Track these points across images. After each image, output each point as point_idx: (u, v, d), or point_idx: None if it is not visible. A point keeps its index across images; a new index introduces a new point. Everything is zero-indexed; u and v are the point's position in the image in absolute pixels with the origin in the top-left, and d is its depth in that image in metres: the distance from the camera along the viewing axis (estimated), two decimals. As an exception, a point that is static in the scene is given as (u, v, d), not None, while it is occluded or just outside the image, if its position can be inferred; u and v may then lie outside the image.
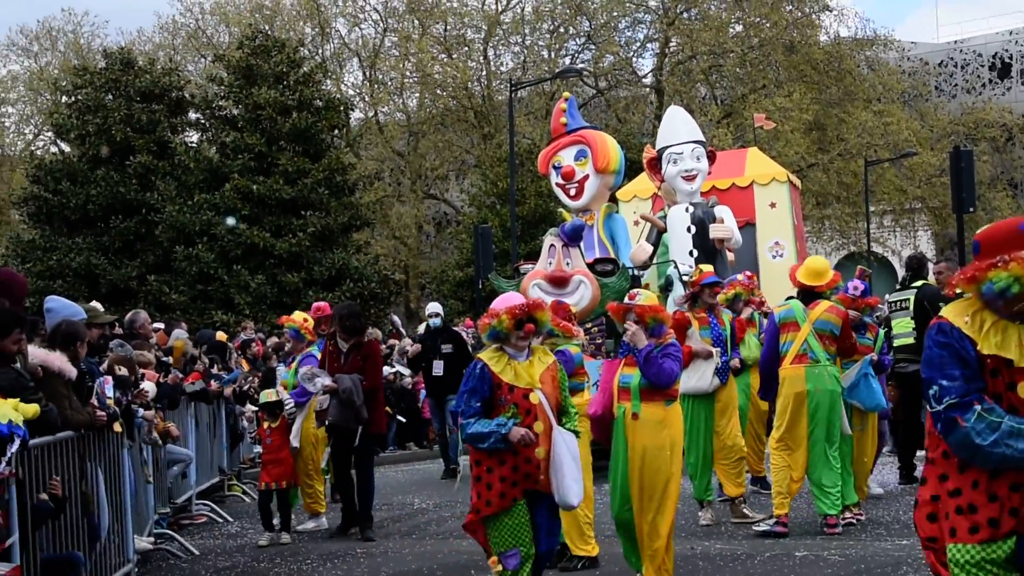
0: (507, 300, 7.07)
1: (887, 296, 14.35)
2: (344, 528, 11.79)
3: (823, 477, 10.01)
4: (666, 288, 15.55)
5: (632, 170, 21.49)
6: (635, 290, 8.48)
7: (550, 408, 6.83)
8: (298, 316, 12.96)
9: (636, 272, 15.35)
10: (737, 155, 22.19)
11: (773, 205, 20.30)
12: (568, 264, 13.46)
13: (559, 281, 13.30)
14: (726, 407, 11.01)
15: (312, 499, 12.43)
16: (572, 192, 14.95)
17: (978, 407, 4.04)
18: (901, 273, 14.04)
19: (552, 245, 13.52)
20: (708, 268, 12.02)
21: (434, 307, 17.53)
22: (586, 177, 14.87)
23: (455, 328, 18.81)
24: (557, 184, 15.12)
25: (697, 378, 10.67)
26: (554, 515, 7.10)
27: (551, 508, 7.00)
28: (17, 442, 6.56)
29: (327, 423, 11.41)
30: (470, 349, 16.57)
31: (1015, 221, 4.23)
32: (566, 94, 16.45)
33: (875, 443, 11.60)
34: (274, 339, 20.99)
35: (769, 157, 36.04)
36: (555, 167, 15.18)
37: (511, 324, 6.85)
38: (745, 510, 11.08)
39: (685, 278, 15.69)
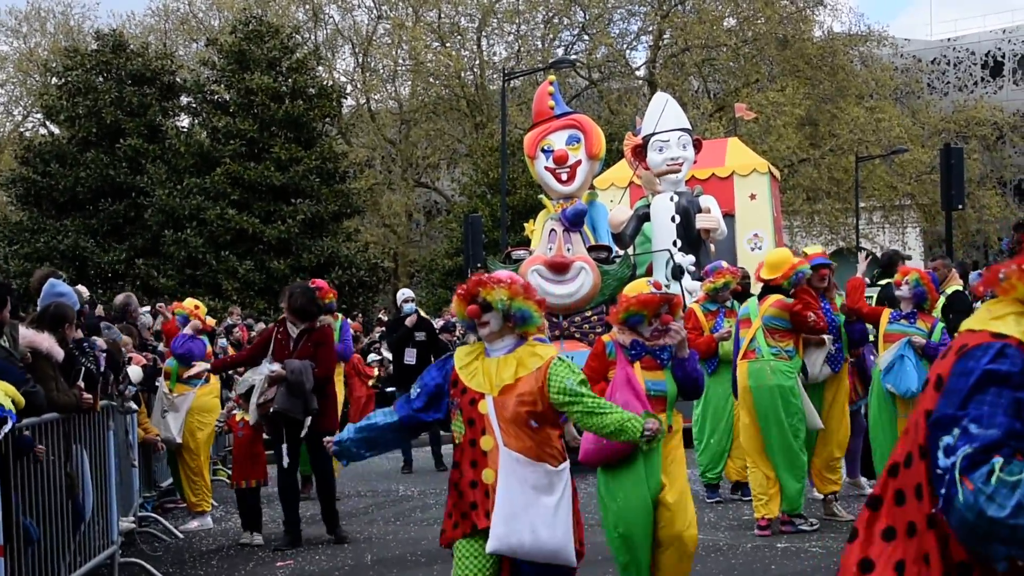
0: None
1: None
2: (291, 542, 10.50)
3: (781, 477, 9.80)
4: (677, 276, 15.23)
5: (610, 157, 21.31)
6: (651, 278, 7.33)
7: (500, 422, 5.36)
8: (189, 303, 12.52)
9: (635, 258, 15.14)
10: (717, 145, 21.86)
11: (753, 196, 20.02)
12: (569, 250, 13.19)
13: (559, 267, 13.03)
14: (835, 398, 10.42)
15: (198, 496, 11.94)
16: (564, 177, 14.32)
17: (997, 459, 2.54)
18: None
19: (552, 230, 13.27)
20: (816, 249, 11.19)
21: (407, 293, 17.31)
22: (579, 162, 14.30)
23: (426, 317, 18.60)
24: (547, 168, 14.42)
25: (809, 365, 10.13)
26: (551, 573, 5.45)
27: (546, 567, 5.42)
28: (9, 424, 6.60)
29: (272, 411, 10.18)
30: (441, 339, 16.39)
31: None
32: (551, 77, 15.87)
33: None
34: (261, 325, 20.98)
35: (761, 151, 36.26)
36: (545, 150, 14.49)
37: (459, 306, 5.62)
38: (836, 508, 10.49)
39: (692, 268, 15.59)
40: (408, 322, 15.91)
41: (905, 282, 10.01)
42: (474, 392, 5.45)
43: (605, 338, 7.13)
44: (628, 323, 6.89)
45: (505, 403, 5.38)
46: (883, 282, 12.67)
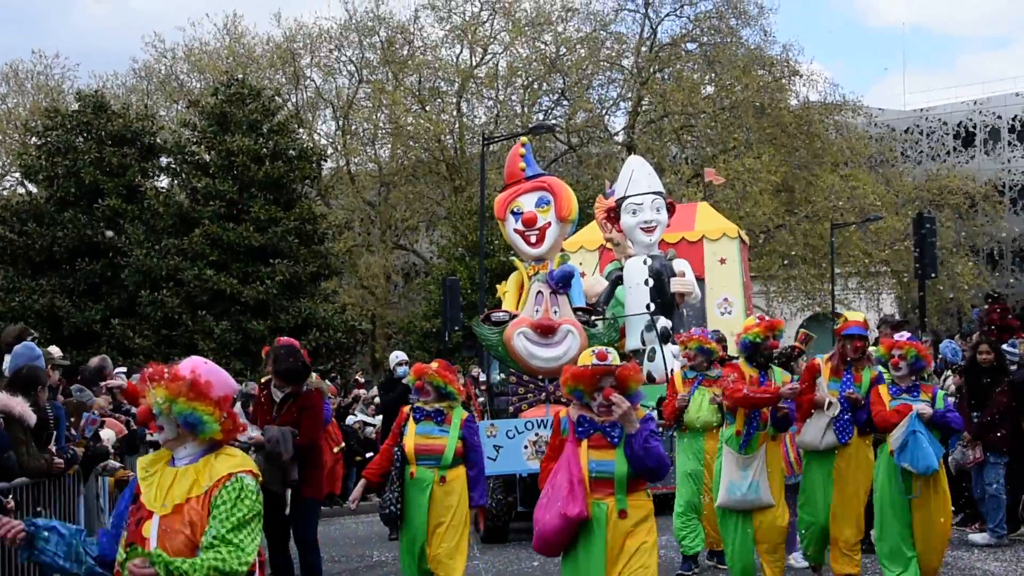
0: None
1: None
2: None
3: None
4: (665, 339, 14.99)
5: (586, 221, 21.31)
6: (600, 347, 6.63)
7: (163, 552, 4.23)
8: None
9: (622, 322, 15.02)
10: (688, 209, 21.76)
11: (723, 261, 19.98)
12: (556, 312, 13.06)
13: (546, 330, 12.90)
14: (843, 473, 9.80)
15: None
16: (533, 239, 14.19)
17: None
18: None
19: (540, 292, 13.16)
20: (857, 316, 10.55)
21: (400, 356, 17.25)
22: (548, 224, 14.16)
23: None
24: (516, 230, 14.30)
25: (812, 431, 9.79)
26: None
27: None
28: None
29: None
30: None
31: None
32: (523, 139, 15.81)
33: (948, 504, 9.68)
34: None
35: (738, 217, 36.51)
36: (514, 212, 14.37)
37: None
38: None
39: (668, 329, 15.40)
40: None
41: (901, 357, 9.42)
42: (144, 509, 4.43)
43: (562, 413, 6.69)
44: (574, 398, 6.51)
45: (171, 527, 4.34)
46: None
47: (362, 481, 9.54)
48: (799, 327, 42.97)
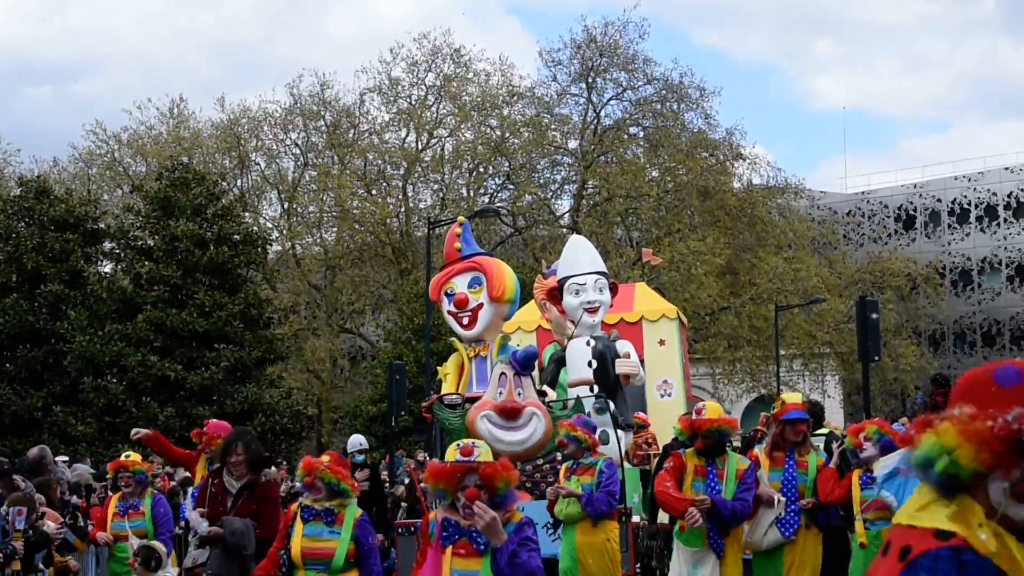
0: None
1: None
2: None
3: None
4: (619, 424, 14.82)
5: (524, 300, 21.04)
6: (466, 441, 5.93)
7: None
8: (136, 456, 11.34)
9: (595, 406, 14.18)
10: (626, 290, 21.20)
11: (662, 342, 19.59)
12: (520, 394, 12.60)
13: (511, 413, 12.39)
14: (791, 569, 9.35)
15: None
16: (465, 321, 13.81)
17: None
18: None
19: (503, 373, 12.67)
20: (794, 398, 10.22)
21: (359, 441, 16.99)
22: (480, 306, 13.77)
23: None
24: (449, 312, 14.00)
25: (753, 529, 9.37)
26: None
27: None
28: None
29: None
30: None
31: (991, 367, 2.83)
32: (460, 218, 15.30)
33: None
34: (183, 473, 20.60)
35: (683, 299, 36.74)
36: (447, 294, 14.07)
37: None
38: None
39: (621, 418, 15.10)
40: (359, 476, 15.57)
41: (866, 438, 9.01)
42: None
43: (432, 514, 6.04)
44: (437, 498, 5.85)
45: None
46: (819, 433, 12.20)
47: None
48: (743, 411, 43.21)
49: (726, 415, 9.89)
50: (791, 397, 10.31)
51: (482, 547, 5.53)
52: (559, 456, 12.59)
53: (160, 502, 11.05)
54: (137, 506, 10.83)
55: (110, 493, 13.23)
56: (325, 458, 7.99)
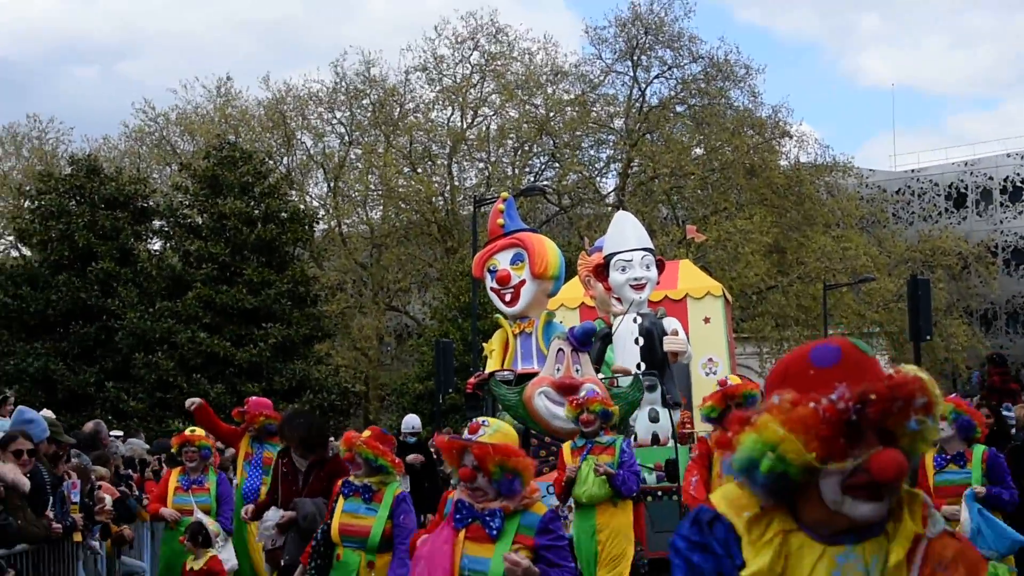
0: None
1: None
2: None
3: None
4: (673, 406, 14.22)
5: (568, 278, 20.85)
6: (481, 418, 5.46)
7: None
8: (201, 432, 11.29)
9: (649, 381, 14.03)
10: (669, 267, 21.03)
11: (707, 320, 19.18)
12: (578, 371, 12.34)
13: (569, 389, 11.99)
14: None
15: None
16: (507, 298, 13.67)
17: None
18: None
19: (560, 350, 12.45)
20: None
21: (414, 422, 16.91)
22: (522, 282, 13.57)
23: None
24: (492, 288, 13.89)
25: None
26: None
27: None
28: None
29: (284, 563, 8.87)
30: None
31: (805, 349, 2.56)
32: (504, 194, 15.20)
33: None
34: (231, 450, 20.75)
35: (730, 278, 36.56)
36: (490, 271, 13.92)
37: None
38: None
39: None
40: (410, 459, 15.52)
41: (941, 418, 7.08)
42: None
43: (450, 492, 5.54)
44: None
45: None
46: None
47: (299, 568, 7.93)
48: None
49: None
50: None
51: (494, 532, 5.05)
52: (633, 432, 12.44)
53: (224, 480, 10.98)
54: (202, 482, 10.76)
55: (166, 467, 13.41)
56: (365, 433, 7.82)
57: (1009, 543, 8.03)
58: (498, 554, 4.98)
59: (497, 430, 5.17)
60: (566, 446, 10.64)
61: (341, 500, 7.52)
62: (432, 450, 18.02)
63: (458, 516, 5.13)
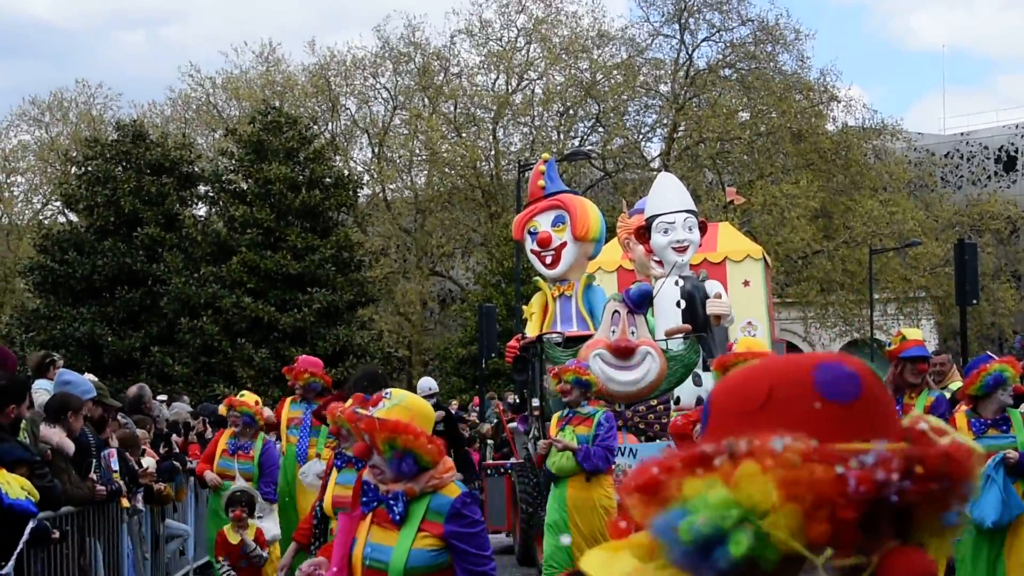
0: None
1: None
2: None
3: None
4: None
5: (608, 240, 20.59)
6: (386, 391, 4.70)
7: None
8: (250, 398, 11.08)
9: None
10: (709, 229, 20.81)
11: (747, 283, 18.97)
12: (633, 333, 12.17)
13: (624, 352, 11.93)
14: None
15: None
16: (548, 260, 13.65)
17: None
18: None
19: (616, 312, 12.23)
20: (915, 334, 9.08)
21: (429, 384, 16.90)
22: (563, 244, 13.55)
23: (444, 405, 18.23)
24: (532, 251, 13.85)
25: None
26: None
27: None
28: (34, 521, 6.60)
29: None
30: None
31: (805, 365, 1.63)
32: (545, 155, 15.07)
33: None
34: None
35: (775, 242, 36.32)
36: (531, 232, 13.86)
37: None
38: None
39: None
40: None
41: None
42: None
43: (364, 471, 4.72)
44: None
45: None
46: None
47: (292, 545, 7.55)
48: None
49: (764, 348, 9.31)
50: (912, 333, 9.01)
51: (397, 518, 4.44)
52: (675, 396, 12.28)
53: (270, 449, 10.81)
54: (248, 448, 10.65)
55: (213, 430, 13.43)
56: (349, 402, 6.67)
57: (978, 516, 7.53)
58: (401, 542, 4.44)
59: (397, 404, 4.52)
60: (555, 416, 10.46)
61: (335, 472, 7.08)
62: (453, 411, 17.72)
63: (364, 499, 4.56)
